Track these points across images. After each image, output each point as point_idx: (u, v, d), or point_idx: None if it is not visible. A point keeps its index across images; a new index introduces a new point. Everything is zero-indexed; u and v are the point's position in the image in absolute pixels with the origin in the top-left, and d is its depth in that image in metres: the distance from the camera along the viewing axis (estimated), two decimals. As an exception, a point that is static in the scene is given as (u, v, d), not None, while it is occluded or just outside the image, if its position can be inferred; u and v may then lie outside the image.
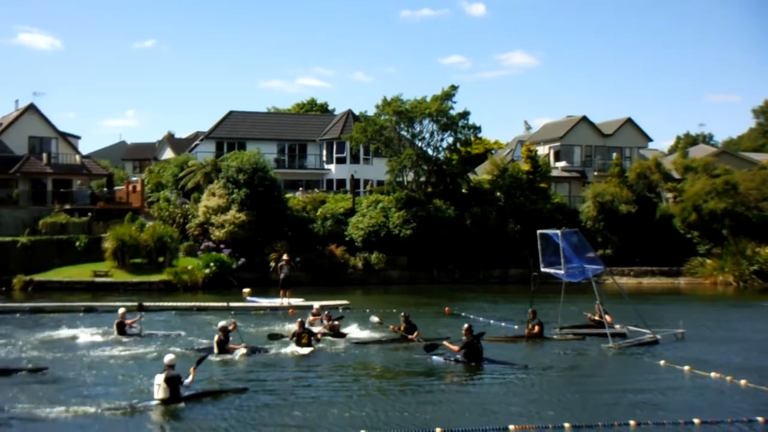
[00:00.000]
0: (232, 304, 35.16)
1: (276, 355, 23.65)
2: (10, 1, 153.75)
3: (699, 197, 56.76)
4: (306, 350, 23.88)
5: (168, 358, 17.59)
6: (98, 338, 26.43)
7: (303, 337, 24.36)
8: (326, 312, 28.97)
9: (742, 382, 19.95)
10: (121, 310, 27.52)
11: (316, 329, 26.40)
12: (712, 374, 20.86)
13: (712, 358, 23.87)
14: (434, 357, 22.98)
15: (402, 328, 26.35)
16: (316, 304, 30.53)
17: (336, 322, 27.60)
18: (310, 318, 28.61)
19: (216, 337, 23.65)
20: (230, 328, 24.20)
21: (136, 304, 33.28)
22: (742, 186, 58.09)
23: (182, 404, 17.05)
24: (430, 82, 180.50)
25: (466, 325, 23.21)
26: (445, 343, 24.11)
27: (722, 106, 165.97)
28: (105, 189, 59.96)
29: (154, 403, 16.95)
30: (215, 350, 23.27)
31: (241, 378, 20.12)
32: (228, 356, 23.09)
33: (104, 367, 21.52)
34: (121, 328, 26.55)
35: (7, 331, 28.04)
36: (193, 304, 36.34)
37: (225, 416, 16.41)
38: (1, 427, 15.48)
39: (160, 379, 17.07)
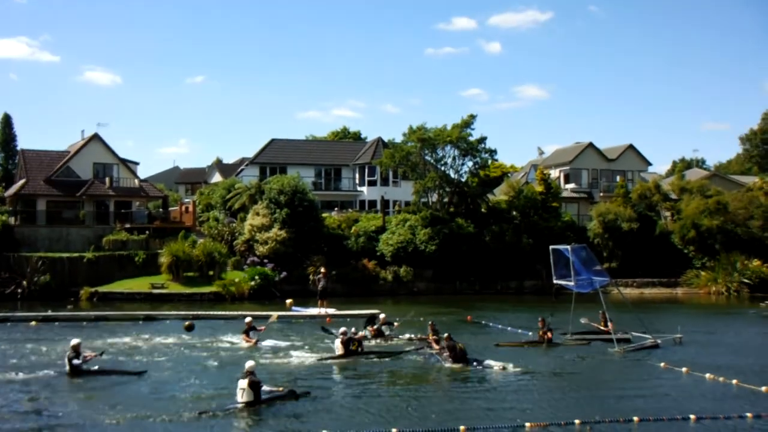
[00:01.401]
0: (275, 313, 35.04)
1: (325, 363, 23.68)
2: (78, 43, 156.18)
3: (696, 216, 56.82)
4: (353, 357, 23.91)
5: (249, 364, 17.62)
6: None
7: (353, 344, 24.36)
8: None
9: (734, 381, 20.10)
10: (248, 319, 27.82)
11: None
12: (707, 375, 21.00)
13: (707, 360, 23.97)
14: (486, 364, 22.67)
15: (430, 336, 26.28)
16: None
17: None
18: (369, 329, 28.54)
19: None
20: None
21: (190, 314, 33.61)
22: (731, 206, 58.24)
23: (264, 406, 17.13)
24: (452, 112, 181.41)
25: (446, 334, 23.80)
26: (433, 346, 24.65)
27: (713, 133, 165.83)
28: (161, 209, 60.54)
29: (239, 406, 17.00)
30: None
31: (305, 382, 20.09)
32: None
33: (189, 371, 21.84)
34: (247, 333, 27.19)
35: (83, 335, 28.22)
36: (239, 312, 36.72)
37: (301, 417, 16.64)
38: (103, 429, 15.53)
39: (243, 383, 17.12)
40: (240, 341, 27.16)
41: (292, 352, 24.93)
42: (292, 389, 18.34)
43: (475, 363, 22.52)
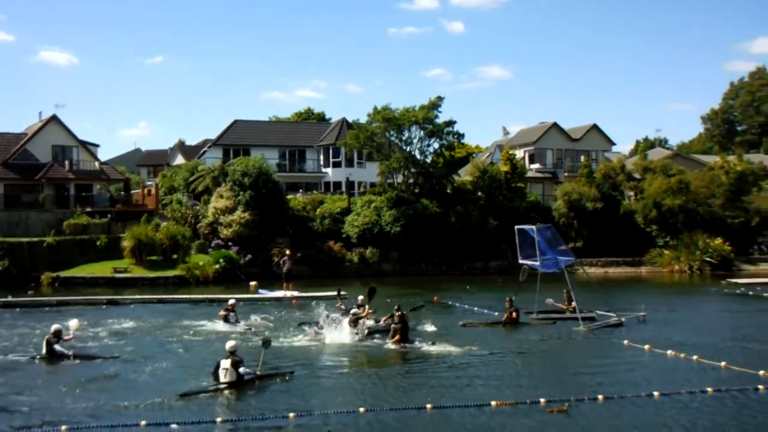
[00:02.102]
0: (240, 296, 34.81)
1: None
2: (33, 22, 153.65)
3: (658, 195, 57.60)
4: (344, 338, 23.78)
5: (230, 344, 17.62)
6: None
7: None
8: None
9: (694, 357, 20.53)
10: (232, 302, 27.58)
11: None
12: (669, 352, 21.39)
13: (669, 337, 24.40)
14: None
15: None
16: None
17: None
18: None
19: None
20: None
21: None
22: (693, 185, 59.17)
23: (246, 387, 17.16)
24: (415, 93, 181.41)
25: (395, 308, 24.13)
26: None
27: (676, 113, 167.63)
28: (122, 193, 59.99)
29: (222, 386, 16.98)
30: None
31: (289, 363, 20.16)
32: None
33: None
34: None
35: (46, 321, 27.79)
36: (205, 296, 36.78)
37: (286, 395, 16.80)
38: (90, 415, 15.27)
39: (226, 363, 17.09)
40: (216, 324, 27.00)
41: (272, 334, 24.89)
42: (275, 371, 18.43)
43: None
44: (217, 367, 17.33)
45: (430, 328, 25.89)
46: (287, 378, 18.31)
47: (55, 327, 21.27)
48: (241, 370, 17.35)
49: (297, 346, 23.11)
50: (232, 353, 17.39)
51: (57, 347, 20.70)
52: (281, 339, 23.98)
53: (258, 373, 17.74)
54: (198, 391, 16.87)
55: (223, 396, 16.71)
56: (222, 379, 17.12)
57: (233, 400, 16.41)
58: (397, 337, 22.92)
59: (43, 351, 20.78)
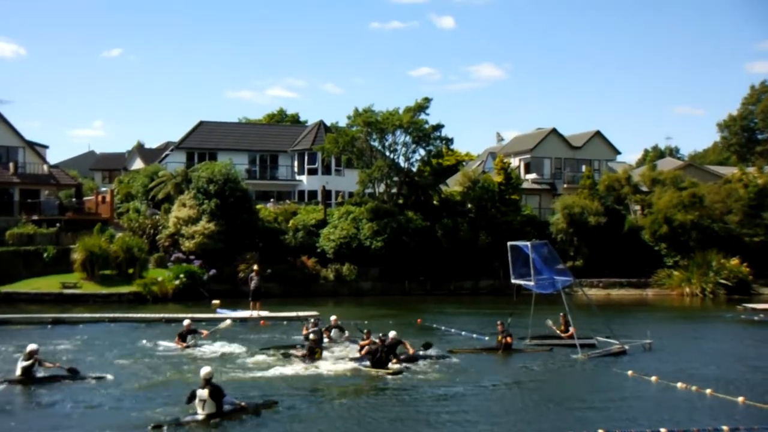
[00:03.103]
0: (195, 315, 34.35)
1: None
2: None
3: (669, 210, 57.51)
4: (321, 366, 23.40)
5: (205, 371, 17.08)
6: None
7: (317, 352, 24.07)
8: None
9: (708, 391, 20.27)
10: (186, 322, 27.64)
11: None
12: (679, 384, 21.16)
13: (679, 368, 24.21)
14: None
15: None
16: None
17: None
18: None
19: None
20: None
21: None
22: (707, 199, 59.20)
23: (225, 418, 16.76)
24: (400, 93, 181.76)
25: (380, 335, 24.00)
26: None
27: (688, 120, 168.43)
28: (74, 199, 59.45)
29: (199, 418, 16.56)
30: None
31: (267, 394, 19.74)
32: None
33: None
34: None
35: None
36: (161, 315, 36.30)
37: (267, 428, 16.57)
38: None
39: (203, 394, 16.61)
40: (171, 344, 26.94)
41: (239, 360, 24.74)
42: (257, 402, 17.97)
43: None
44: (192, 396, 16.89)
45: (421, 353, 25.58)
46: (273, 407, 17.93)
47: (31, 347, 20.91)
48: (226, 399, 16.91)
49: (277, 374, 22.65)
50: (208, 381, 16.85)
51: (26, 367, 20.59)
52: (243, 363, 23.63)
53: (242, 404, 17.30)
54: (171, 422, 16.44)
55: (199, 429, 16.33)
56: (199, 411, 16.69)
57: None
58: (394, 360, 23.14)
59: (18, 373, 20.60)
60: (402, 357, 24.09)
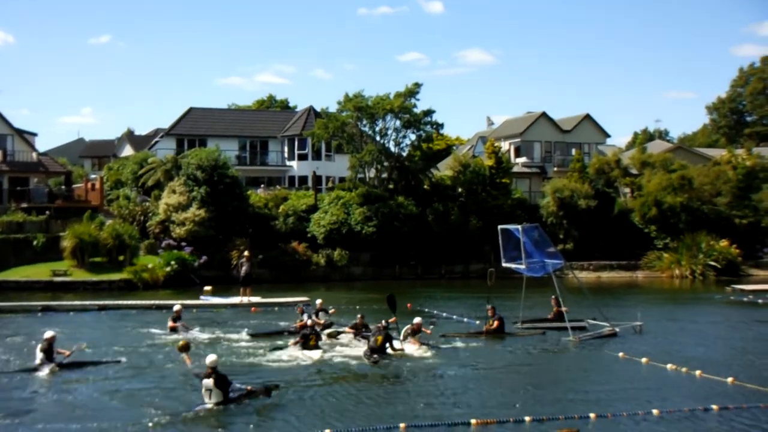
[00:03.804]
0: (186, 302, 34.39)
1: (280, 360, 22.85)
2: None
3: (658, 193, 57.53)
4: (316, 353, 23.01)
5: (210, 359, 16.92)
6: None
7: (311, 338, 23.54)
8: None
9: (697, 372, 20.32)
10: (177, 307, 28.00)
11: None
12: (669, 366, 21.20)
13: (669, 349, 24.29)
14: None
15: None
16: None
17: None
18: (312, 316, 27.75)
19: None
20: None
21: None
22: (697, 181, 59.27)
23: (232, 405, 16.68)
24: (389, 78, 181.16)
25: (382, 321, 23.73)
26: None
27: (677, 102, 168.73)
28: (63, 187, 59.29)
29: (209, 407, 16.48)
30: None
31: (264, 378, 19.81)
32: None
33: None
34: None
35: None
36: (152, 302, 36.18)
37: (274, 413, 16.54)
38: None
39: (209, 383, 16.49)
40: (166, 331, 27.07)
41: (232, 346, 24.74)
42: (265, 386, 17.77)
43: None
44: (207, 375, 16.79)
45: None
46: (274, 390, 17.74)
47: (48, 334, 21.05)
48: (233, 387, 16.83)
49: (274, 361, 22.61)
50: (213, 369, 16.71)
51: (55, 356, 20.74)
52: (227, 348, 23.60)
53: (249, 388, 17.23)
54: (176, 413, 16.31)
55: (207, 418, 16.25)
56: (206, 400, 16.61)
57: (217, 423, 16.01)
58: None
59: (38, 361, 20.67)
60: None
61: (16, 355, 22.98)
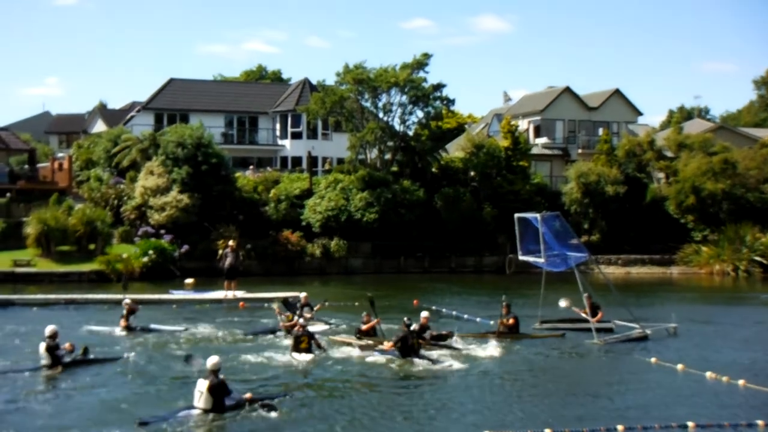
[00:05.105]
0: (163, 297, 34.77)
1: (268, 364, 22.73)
2: None
3: (697, 178, 57.16)
4: (307, 357, 22.67)
5: (212, 361, 16.80)
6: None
7: (302, 340, 22.90)
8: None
9: (740, 382, 20.24)
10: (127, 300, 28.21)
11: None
12: (708, 373, 21.15)
13: (707, 355, 24.25)
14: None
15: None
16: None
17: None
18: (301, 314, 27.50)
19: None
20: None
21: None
22: (741, 165, 58.88)
23: (226, 416, 16.47)
24: (393, 48, 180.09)
25: (405, 318, 23.34)
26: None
27: (718, 75, 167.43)
28: (26, 166, 59.16)
29: (195, 412, 16.44)
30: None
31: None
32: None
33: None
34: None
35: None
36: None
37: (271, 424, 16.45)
38: None
39: (203, 386, 16.42)
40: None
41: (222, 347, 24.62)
42: (266, 400, 17.45)
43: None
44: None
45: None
46: (281, 399, 17.83)
47: (50, 329, 21.12)
48: (232, 396, 16.75)
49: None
50: (213, 373, 16.62)
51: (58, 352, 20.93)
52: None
53: (248, 396, 17.07)
54: (159, 419, 16.26)
55: (197, 424, 16.24)
56: (196, 402, 16.57)
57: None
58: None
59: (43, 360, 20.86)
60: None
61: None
